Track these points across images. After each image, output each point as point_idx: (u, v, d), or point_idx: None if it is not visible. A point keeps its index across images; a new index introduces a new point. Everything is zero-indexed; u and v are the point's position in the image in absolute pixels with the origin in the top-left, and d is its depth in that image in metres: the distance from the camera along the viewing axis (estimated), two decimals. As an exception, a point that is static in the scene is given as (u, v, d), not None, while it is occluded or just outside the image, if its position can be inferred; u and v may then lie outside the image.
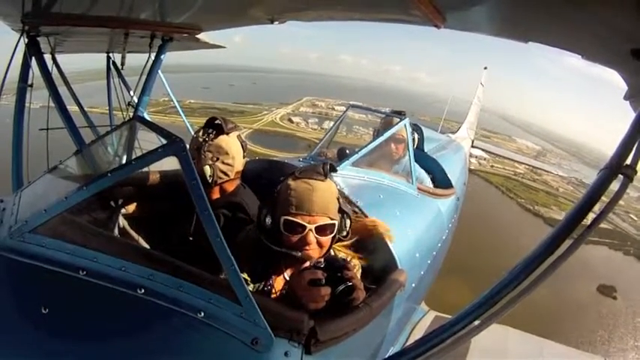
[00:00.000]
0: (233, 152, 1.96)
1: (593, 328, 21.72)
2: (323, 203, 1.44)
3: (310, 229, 1.42)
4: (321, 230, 1.44)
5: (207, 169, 1.91)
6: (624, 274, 29.99)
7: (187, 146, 1.20)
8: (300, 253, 1.44)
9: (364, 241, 1.73)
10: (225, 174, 1.98)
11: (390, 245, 1.88)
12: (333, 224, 1.47)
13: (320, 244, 1.46)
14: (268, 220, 1.49)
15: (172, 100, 4.96)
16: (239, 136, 2.02)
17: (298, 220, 1.42)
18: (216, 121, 1.96)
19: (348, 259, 1.53)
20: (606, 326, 22.35)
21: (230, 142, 1.96)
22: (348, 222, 1.54)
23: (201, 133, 1.96)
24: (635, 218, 42.29)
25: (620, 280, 27.98)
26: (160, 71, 3.65)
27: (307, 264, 1.47)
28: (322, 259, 1.45)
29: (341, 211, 1.51)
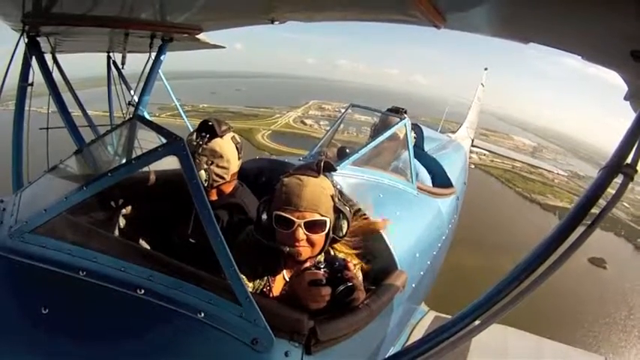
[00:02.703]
0: (228, 155, 1.94)
1: (588, 290, 25.81)
2: (312, 199, 1.43)
3: (299, 225, 1.41)
4: (310, 227, 1.42)
5: (203, 174, 1.90)
6: (615, 250, 34.40)
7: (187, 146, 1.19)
8: (288, 249, 1.43)
9: (364, 241, 1.73)
10: (221, 177, 1.96)
11: (390, 245, 1.88)
12: (324, 221, 1.45)
13: (311, 242, 1.45)
14: (264, 216, 1.50)
15: (173, 101, 4.97)
16: (233, 138, 1.99)
17: (287, 215, 1.41)
18: (209, 124, 1.93)
19: (348, 260, 1.53)
20: (598, 288, 26.57)
21: (224, 145, 1.94)
22: (345, 222, 1.52)
23: (194, 137, 1.93)
24: (628, 206, 47.23)
25: (610, 254, 32.06)
26: (160, 71, 3.65)
27: (307, 264, 1.47)
28: (322, 260, 1.45)
29: (337, 210, 1.50)
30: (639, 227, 43.53)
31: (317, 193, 1.44)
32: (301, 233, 1.42)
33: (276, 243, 1.47)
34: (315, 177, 1.48)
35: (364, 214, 1.84)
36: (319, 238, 1.47)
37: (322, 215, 1.44)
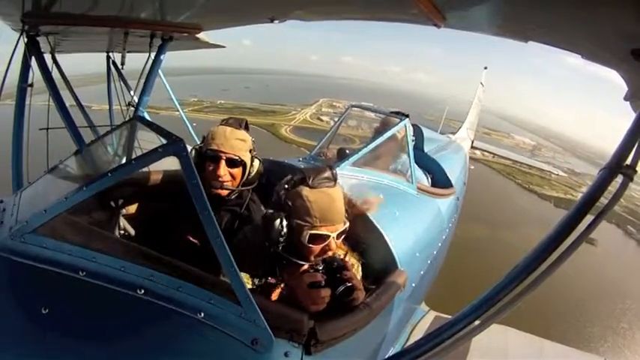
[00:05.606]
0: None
1: (580, 259, 27.10)
2: (341, 211, 1.46)
3: (333, 237, 1.43)
4: (340, 235, 1.47)
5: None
6: (604, 233, 36.93)
7: (187, 146, 1.19)
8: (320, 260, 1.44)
9: (363, 241, 1.73)
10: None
11: (390, 245, 1.88)
12: (347, 228, 1.49)
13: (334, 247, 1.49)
14: (284, 231, 1.40)
15: (172, 99, 4.95)
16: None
17: (323, 231, 1.40)
18: (229, 121, 1.96)
19: (346, 258, 1.53)
20: (586, 262, 27.89)
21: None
22: (348, 222, 1.53)
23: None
24: (622, 200, 47.67)
25: (600, 236, 34.13)
26: (160, 71, 3.65)
27: (306, 266, 1.47)
28: (320, 261, 1.45)
29: None
30: (630, 217, 46.68)
31: (342, 205, 1.47)
32: (333, 243, 1.44)
33: (302, 258, 1.42)
34: (335, 187, 1.47)
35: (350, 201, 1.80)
36: (341, 241, 1.52)
37: (345, 222, 1.48)
